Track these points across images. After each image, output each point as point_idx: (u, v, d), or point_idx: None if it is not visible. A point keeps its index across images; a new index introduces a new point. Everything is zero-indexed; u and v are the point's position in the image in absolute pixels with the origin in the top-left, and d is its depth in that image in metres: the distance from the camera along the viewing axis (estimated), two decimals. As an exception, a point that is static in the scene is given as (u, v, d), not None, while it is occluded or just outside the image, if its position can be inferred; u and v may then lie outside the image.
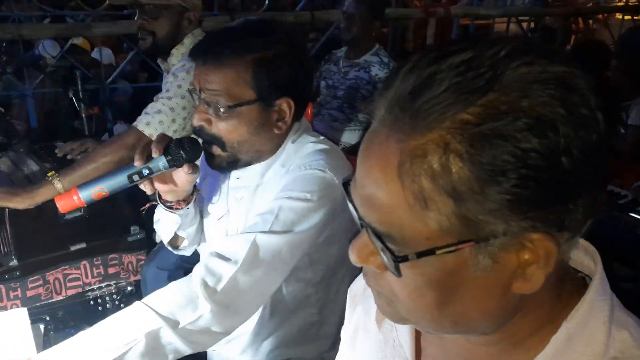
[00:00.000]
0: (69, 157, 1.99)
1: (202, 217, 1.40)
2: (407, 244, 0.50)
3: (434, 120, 0.47)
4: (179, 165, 1.10)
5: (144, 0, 1.78)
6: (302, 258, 1.13)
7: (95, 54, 3.71)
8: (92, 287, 1.73)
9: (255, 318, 1.24)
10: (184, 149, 1.09)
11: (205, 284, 1.00)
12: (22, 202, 1.58)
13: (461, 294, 0.52)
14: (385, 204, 0.50)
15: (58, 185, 1.61)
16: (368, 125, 1.35)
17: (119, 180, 1.08)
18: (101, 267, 1.74)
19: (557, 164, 0.45)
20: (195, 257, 1.86)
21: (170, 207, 1.23)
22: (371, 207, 0.52)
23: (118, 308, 1.79)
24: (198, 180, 1.25)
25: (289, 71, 1.15)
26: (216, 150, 1.17)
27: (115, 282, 1.77)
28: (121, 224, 1.79)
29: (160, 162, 1.08)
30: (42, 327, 1.09)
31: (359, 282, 0.80)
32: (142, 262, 1.82)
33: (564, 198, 0.47)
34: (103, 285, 1.76)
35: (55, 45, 1.93)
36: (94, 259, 1.72)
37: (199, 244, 1.46)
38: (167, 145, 1.09)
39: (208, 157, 1.19)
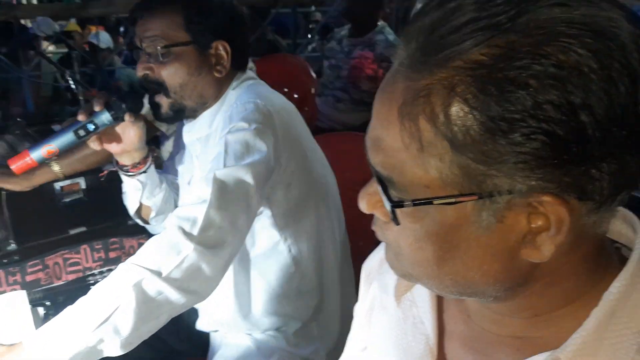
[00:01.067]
0: None
1: (175, 191, 1.42)
2: (406, 190, 0.48)
3: (444, 58, 0.43)
4: (122, 118, 1.13)
5: None
6: (263, 203, 1.15)
7: (93, 38, 3.65)
8: (92, 271, 1.69)
9: (231, 278, 1.23)
10: (124, 101, 1.13)
11: (182, 230, 0.99)
12: (19, 184, 1.52)
13: (462, 251, 0.48)
14: (388, 145, 0.48)
15: (56, 168, 1.56)
16: (371, 103, 1.36)
17: (67, 137, 1.10)
18: (102, 251, 1.69)
19: (576, 121, 0.40)
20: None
21: (127, 172, 1.27)
22: (376, 149, 0.49)
23: (120, 293, 1.75)
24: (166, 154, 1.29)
25: (221, 14, 1.20)
26: (161, 98, 1.20)
27: (116, 266, 1.72)
28: (121, 207, 1.74)
29: (103, 115, 1.11)
30: (41, 310, 1.04)
31: (374, 258, 0.76)
32: (144, 246, 1.78)
33: (582, 160, 0.41)
34: (104, 270, 1.71)
35: (50, 23, 1.87)
36: (95, 243, 1.67)
37: None
38: (108, 101, 1.13)
39: (154, 109, 1.22)
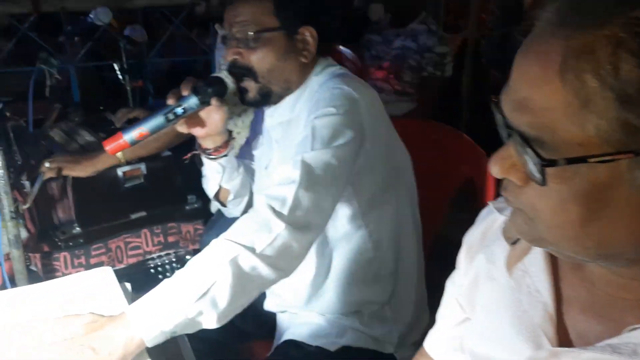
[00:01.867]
0: (118, 125, 1.97)
1: (251, 177, 1.45)
2: (557, 149, 0.47)
3: (606, 16, 0.44)
4: (209, 102, 1.18)
5: None
6: (346, 187, 1.17)
7: (128, 32, 3.70)
8: (152, 255, 1.73)
9: (312, 260, 1.25)
10: (210, 85, 1.19)
11: (272, 209, 1.02)
12: (84, 170, 1.56)
13: (610, 211, 0.48)
14: (540, 105, 0.48)
15: (119, 153, 1.58)
16: (414, 93, 1.36)
17: (157, 120, 1.15)
18: (161, 235, 1.73)
19: None
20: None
21: (210, 155, 1.32)
22: (523, 111, 0.49)
23: (178, 277, 1.78)
24: (245, 140, 1.33)
25: (309, 1, 1.24)
26: (249, 83, 1.23)
27: (174, 250, 1.76)
28: (179, 192, 1.77)
29: (191, 99, 1.16)
30: (129, 285, 1.07)
31: (475, 232, 0.77)
32: (200, 231, 1.80)
33: None
34: (163, 254, 1.75)
35: (107, 12, 1.90)
36: (154, 228, 1.71)
37: (250, 205, 1.45)
38: (195, 86, 1.18)
39: (242, 94, 1.25)
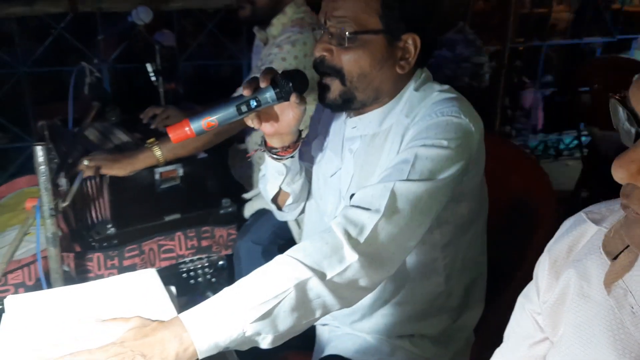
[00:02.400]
0: (152, 126, 1.95)
1: (309, 181, 1.34)
2: None
3: None
4: (287, 98, 1.07)
5: None
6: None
7: (158, 37, 3.70)
8: (184, 259, 1.69)
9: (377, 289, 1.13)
10: (292, 79, 1.06)
11: (347, 234, 0.94)
12: (123, 169, 1.54)
13: None
14: None
15: (157, 152, 1.56)
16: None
17: (228, 111, 1.06)
18: (195, 239, 1.69)
19: None
20: (287, 233, 1.80)
21: (275, 155, 1.20)
22: None
23: (210, 282, 1.74)
24: (305, 134, 1.21)
25: (421, 6, 1.10)
26: (333, 82, 1.11)
27: (207, 255, 1.73)
28: (213, 196, 1.74)
29: (267, 93, 1.06)
30: (174, 289, 1.03)
31: (561, 244, 0.71)
32: (233, 236, 1.77)
33: None
34: (195, 258, 1.71)
35: (148, 11, 1.88)
36: (188, 231, 1.68)
37: (302, 211, 1.38)
38: (274, 78, 1.07)
39: (322, 91, 1.13)
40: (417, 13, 1.09)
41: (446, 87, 1.15)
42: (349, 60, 1.09)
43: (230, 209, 1.76)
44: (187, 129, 1.04)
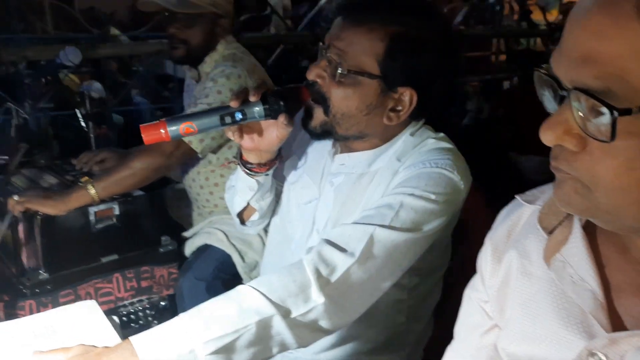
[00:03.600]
0: (85, 169, 1.89)
1: (276, 198, 1.30)
2: (628, 99, 0.46)
3: None
4: (275, 117, 1.02)
5: (176, 9, 1.74)
6: None
7: (85, 88, 3.63)
8: (124, 302, 1.62)
9: None
10: (283, 98, 1.02)
11: (318, 273, 0.91)
12: (55, 208, 1.47)
13: None
14: (611, 54, 0.47)
15: (92, 191, 1.51)
16: None
17: (211, 120, 1.00)
18: (134, 280, 1.64)
19: None
20: (231, 267, 1.77)
21: (249, 170, 1.15)
22: (587, 63, 0.49)
23: (152, 324, 1.67)
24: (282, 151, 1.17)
25: (426, 63, 1.04)
26: (318, 112, 1.08)
27: (148, 296, 1.67)
28: (152, 234, 1.69)
29: (256, 108, 1.01)
30: (116, 318, 0.99)
31: (499, 231, 0.75)
32: (174, 275, 1.72)
33: None
34: (135, 300, 1.65)
35: (77, 52, 1.85)
36: (126, 272, 1.62)
37: (266, 225, 1.34)
38: (265, 94, 1.02)
39: (306, 115, 1.10)
40: (420, 71, 1.04)
41: (441, 135, 1.14)
42: (338, 96, 1.05)
43: (170, 247, 1.72)
44: (162, 131, 0.97)
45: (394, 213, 0.97)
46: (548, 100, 0.55)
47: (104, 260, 1.59)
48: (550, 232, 0.65)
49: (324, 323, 0.92)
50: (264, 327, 0.86)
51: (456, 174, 1.03)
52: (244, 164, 1.15)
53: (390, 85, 1.04)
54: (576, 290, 0.61)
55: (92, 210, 1.55)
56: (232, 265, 1.76)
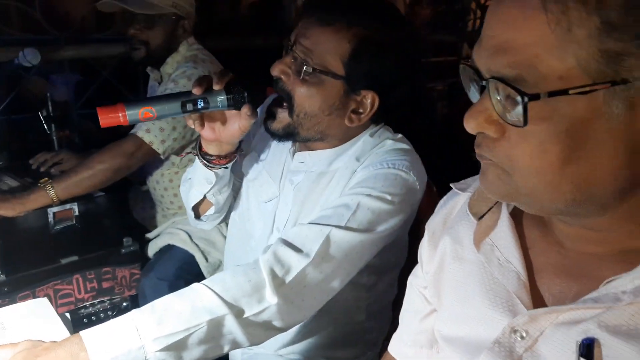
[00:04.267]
0: (42, 169, 1.87)
1: (234, 194, 1.30)
2: (538, 85, 0.49)
3: None
4: (238, 107, 1.01)
5: (136, 9, 1.75)
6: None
7: (49, 92, 3.58)
8: (84, 303, 1.61)
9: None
10: (248, 90, 1.00)
11: (273, 274, 0.92)
12: (12, 209, 1.46)
13: (588, 148, 0.50)
14: (522, 42, 0.50)
15: (51, 191, 1.50)
16: None
17: (171, 106, 0.97)
18: (95, 281, 1.63)
19: None
20: (194, 267, 1.78)
21: (208, 162, 1.14)
22: (501, 52, 0.52)
23: (113, 326, 1.66)
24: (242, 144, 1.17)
25: (389, 66, 1.04)
26: (281, 114, 1.08)
27: (109, 297, 1.66)
28: (113, 235, 1.69)
29: (219, 97, 0.99)
30: (68, 315, 0.99)
31: (436, 218, 0.78)
32: (137, 276, 1.71)
33: None
34: (96, 301, 1.64)
35: (35, 53, 1.84)
36: (87, 273, 1.61)
37: (222, 220, 1.34)
38: (229, 83, 1.00)
39: (269, 117, 1.10)
40: (384, 75, 1.05)
41: (399, 136, 1.16)
42: (302, 94, 1.05)
43: (132, 248, 1.71)
44: (120, 114, 0.94)
45: (351, 213, 0.99)
46: (472, 92, 0.58)
47: (64, 261, 1.58)
48: (480, 218, 0.68)
49: (277, 322, 0.94)
50: (215, 326, 0.87)
51: (412, 175, 1.05)
52: (203, 155, 1.14)
53: (354, 87, 1.05)
54: (502, 272, 0.64)
55: (51, 211, 1.54)
56: (196, 265, 1.77)
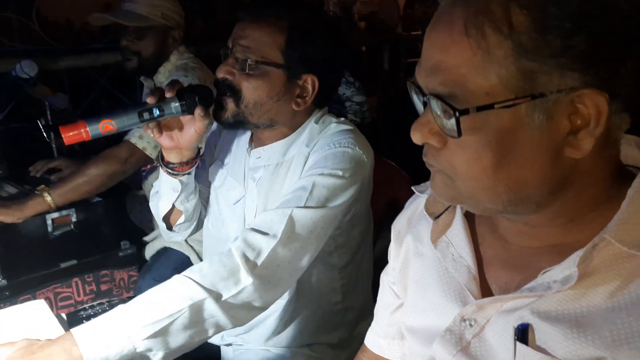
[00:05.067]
0: (37, 174, 1.94)
1: (203, 203, 1.37)
2: (468, 101, 0.55)
3: None
4: (191, 111, 1.08)
5: (127, 22, 1.81)
6: (328, 242, 1.14)
7: (49, 100, 3.65)
8: (84, 305, 1.68)
9: (281, 303, 1.23)
10: (197, 93, 1.08)
11: (245, 258, 0.99)
12: (11, 215, 1.52)
13: (516, 154, 0.56)
14: (451, 64, 0.55)
15: (48, 198, 1.57)
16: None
17: (129, 117, 1.03)
18: (93, 284, 1.69)
19: (610, 21, 0.51)
20: (189, 268, 1.83)
21: (172, 170, 1.20)
22: (435, 72, 0.57)
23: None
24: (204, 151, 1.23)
25: (322, 50, 1.15)
26: (229, 103, 1.15)
27: (108, 299, 1.72)
28: (111, 238, 1.75)
29: (172, 103, 1.06)
30: (64, 315, 1.05)
31: (401, 218, 0.84)
32: (134, 278, 1.78)
33: (612, 54, 0.52)
34: (95, 303, 1.70)
35: (32, 65, 1.90)
36: (86, 276, 1.67)
37: (195, 229, 1.40)
38: (180, 90, 1.08)
39: (217, 109, 1.16)
40: (318, 58, 1.15)
41: (342, 119, 1.24)
42: (248, 86, 1.13)
43: (129, 251, 1.78)
44: (82, 130, 0.99)
45: (308, 193, 1.07)
46: (417, 105, 0.63)
47: (63, 265, 1.64)
48: (437, 217, 0.74)
49: (256, 302, 1.01)
50: (197, 310, 0.94)
51: (357, 149, 1.14)
52: (166, 164, 1.20)
53: (294, 72, 1.15)
54: (455, 266, 0.70)
55: (49, 217, 1.60)
56: (191, 266, 1.82)
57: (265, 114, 1.16)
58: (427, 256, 0.75)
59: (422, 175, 0.77)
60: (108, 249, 1.73)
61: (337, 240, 1.19)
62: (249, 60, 1.12)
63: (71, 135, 0.99)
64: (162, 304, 0.93)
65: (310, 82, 1.16)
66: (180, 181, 1.22)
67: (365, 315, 1.34)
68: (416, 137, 0.61)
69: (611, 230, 0.56)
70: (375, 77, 3.94)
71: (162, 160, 1.21)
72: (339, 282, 1.25)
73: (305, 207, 1.06)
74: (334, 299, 1.27)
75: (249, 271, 0.98)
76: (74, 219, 1.65)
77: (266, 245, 1.01)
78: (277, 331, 1.25)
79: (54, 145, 2.34)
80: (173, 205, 1.27)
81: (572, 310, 0.57)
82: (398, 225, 0.84)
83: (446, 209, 0.75)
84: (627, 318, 0.54)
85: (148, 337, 0.90)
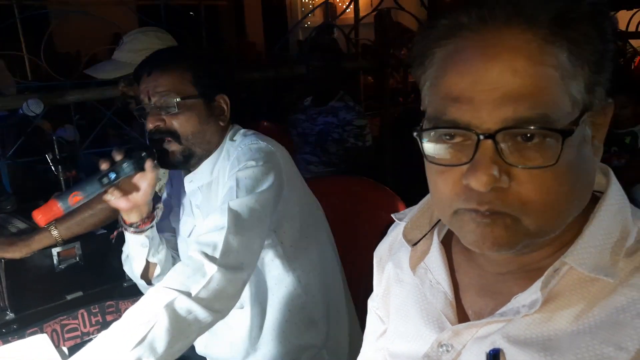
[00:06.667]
0: None
1: (171, 252, 1.45)
2: (558, 121, 0.54)
3: (550, 10, 0.55)
4: (142, 166, 1.21)
5: (112, 75, 1.87)
6: (270, 236, 1.28)
7: (60, 133, 3.74)
8: (90, 336, 1.70)
9: (246, 311, 1.31)
10: (142, 149, 1.22)
11: (204, 254, 1.09)
12: (19, 251, 1.56)
13: (582, 173, 0.57)
14: (536, 85, 0.54)
15: (55, 232, 1.61)
16: (340, 163, 1.76)
17: (92, 185, 1.16)
18: (99, 314, 1.72)
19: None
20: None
21: (137, 228, 1.30)
22: (515, 100, 0.54)
23: (118, 356, 1.75)
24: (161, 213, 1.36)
25: (222, 72, 1.38)
26: (171, 145, 1.29)
27: (113, 330, 1.75)
28: (116, 269, 1.78)
29: (124, 164, 1.19)
30: (65, 349, 1.08)
31: (383, 245, 0.87)
32: (139, 308, 1.80)
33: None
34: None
35: (39, 103, 1.97)
36: (91, 307, 1.70)
37: None
38: (127, 151, 1.21)
39: (163, 156, 1.29)
40: (222, 79, 1.36)
41: (251, 131, 1.41)
42: (180, 123, 1.29)
43: (134, 282, 1.80)
44: (55, 208, 1.12)
45: (236, 187, 1.21)
46: (451, 153, 0.59)
47: (69, 297, 1.68)
48: (415, 244, 0.77)
49: (227, 288, 1.08)
50: (172, 310, 1.00)
51: (261, 142, 1.31)
52: (130, 226, 1.31)
53: (209, 96, 1.33)
54: (433, 292, 0.72)
55: (55, 250, 1.64)
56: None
57: (204, 139, 1.32)
58: (407, 282, 0.78)
59: (418, 198, 0.80)
60: (113, 280, 1.77)
61: (277, 232, 1.32)
62: (173, 101, 1.27)
63: (46, 216, 1.13)
64: (139, 315, 1.00)
65: (222, 101, 1.35)
66: (147, 236, 1.32)
67: (336, 318, 1.42)
68: (488, 181, 0.55)
69: (572, 255, 0.59)
70: (380, 98, 4.00)
71: (124, 223, 1.31)
72: (294, 274, 1.35)
73: (238, 198, 1.18)
74: (294, 292, 1.34)
75: (211, 262, 1.07)
76: (79, 252, 1.69)
77: (219, 238, 1.11)
78: (254, 343, 1.34)
79: (62, 179, 2.40)
80: (147, 262, 1.36)
81: (540, 334, 0.59)
82: (379, 253, 0.86)
83: (424, 236, 0.78)
84: (591, 341, 0.56)
85: (134, 347, 0.96)
